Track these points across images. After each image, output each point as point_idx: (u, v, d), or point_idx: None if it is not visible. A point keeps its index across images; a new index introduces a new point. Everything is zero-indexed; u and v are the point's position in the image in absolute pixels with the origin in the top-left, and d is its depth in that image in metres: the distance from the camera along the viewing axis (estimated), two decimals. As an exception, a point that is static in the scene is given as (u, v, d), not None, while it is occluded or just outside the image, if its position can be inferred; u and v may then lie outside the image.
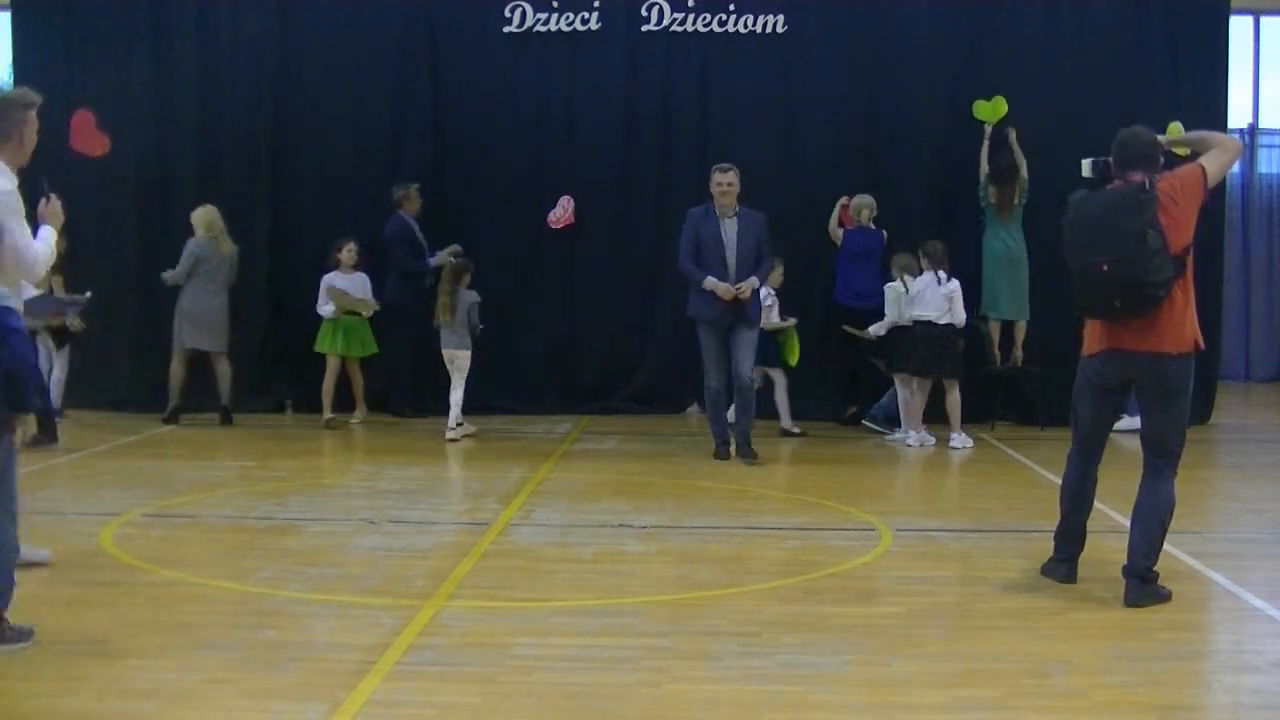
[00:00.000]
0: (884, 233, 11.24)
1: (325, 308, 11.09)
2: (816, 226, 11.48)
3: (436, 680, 4.63)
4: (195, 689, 4.50)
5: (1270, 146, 16.31)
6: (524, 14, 11.85)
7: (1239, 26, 13.65)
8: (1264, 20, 15.64)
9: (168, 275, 10.97)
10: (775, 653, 4.96)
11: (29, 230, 5.26)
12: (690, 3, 11.83)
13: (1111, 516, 7.55)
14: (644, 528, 7.18)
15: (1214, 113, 11.81)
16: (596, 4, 11.85)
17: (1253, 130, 16.07)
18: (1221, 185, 11.96)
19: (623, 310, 11.98)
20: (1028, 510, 7.94)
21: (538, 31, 11.87)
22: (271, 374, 12.02)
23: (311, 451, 9.90)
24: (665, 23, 11.87)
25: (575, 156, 11.97)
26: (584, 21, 11.85)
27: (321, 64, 11.99)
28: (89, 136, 11.63)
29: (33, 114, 5.47)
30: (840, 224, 11.44)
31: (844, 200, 11.43)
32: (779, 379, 10.75)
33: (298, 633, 5.17)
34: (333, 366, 11.12)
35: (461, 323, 10.50)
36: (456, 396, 10.49)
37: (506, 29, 11.88)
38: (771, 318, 10.54)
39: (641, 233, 12.00)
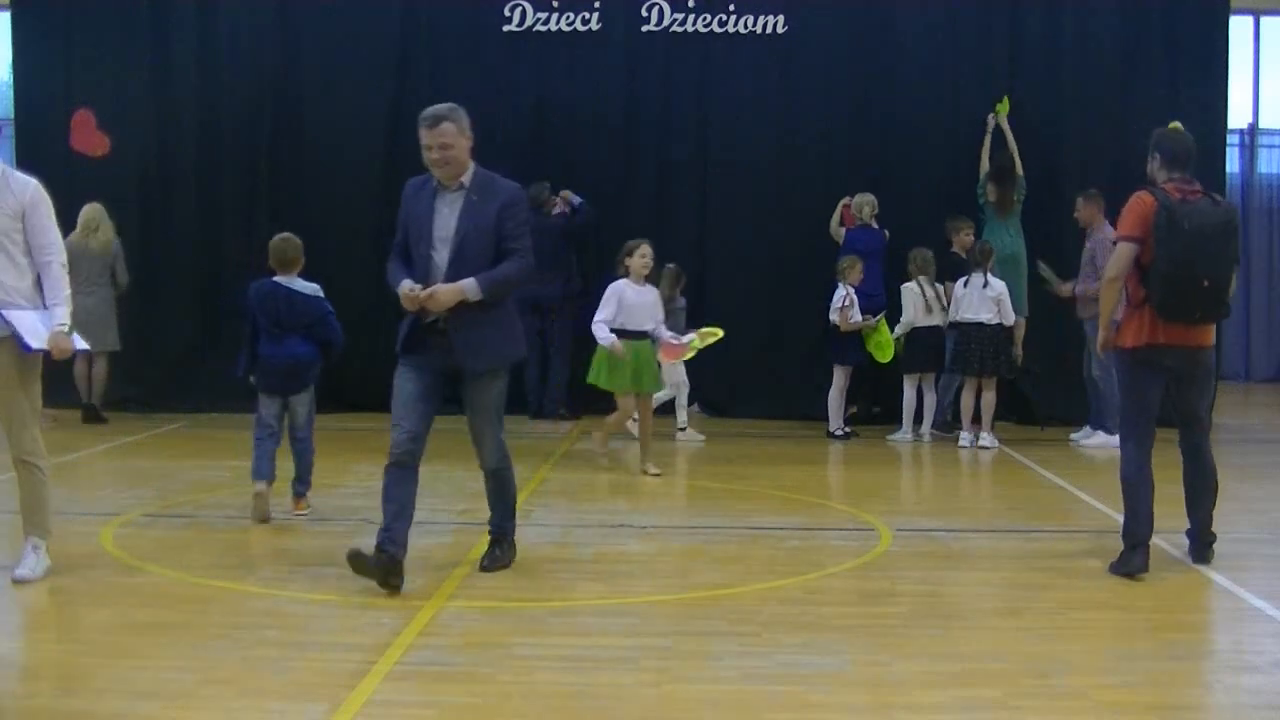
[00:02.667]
0: (885, 231, 11.24)
1: (603, 337, 8.68)
2: (816, 226, 11.47)
3: (436, 680, 4.62)
4: (195, 689, 4.50)
5: (1270, 146, 16.32)
6: (524, 14, 11.85)
7: (1239, 26, 13.66)
8: (1264, 20, 15.64)
9: None
10: (775, 653, 4.96)
11: None
12: (690, 3, 11.82)
13: (1112, 517, 7.55)
14: (644, 528, 7.17)
15: (1214, 113, 11.82)
16: (596, 4, 11.84)
17: (1253, 130, 16.08)
18: (1222, 184, 12.02)
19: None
20: (1028, 510, 7.94)
21: (538, 31, 11.87)
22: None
23: (311, 451, 9.88)
24: (665, 23, 11.86)
25: (575, 156, 11.97)
26: (584, 21, 11.85)
27: (321, 63, 11.99)
28: (89, 136, 11.65)
29: None
30: (842, 224, 11.44)
31: (846, 201, 11.42)
32: (837, 378, 10.72)
33: (298, 633, 5.17)
34: (627, 407, 8.94)
35: (679, 328, 10.24)
36: (681, 400, 10.54)
37: (506, 29, 11.88)
38: (853, 318, 10.53)
39: (641, 233, 11.84)
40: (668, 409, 11.89)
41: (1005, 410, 11.20)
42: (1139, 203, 6.07)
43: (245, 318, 7.25)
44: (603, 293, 12.15)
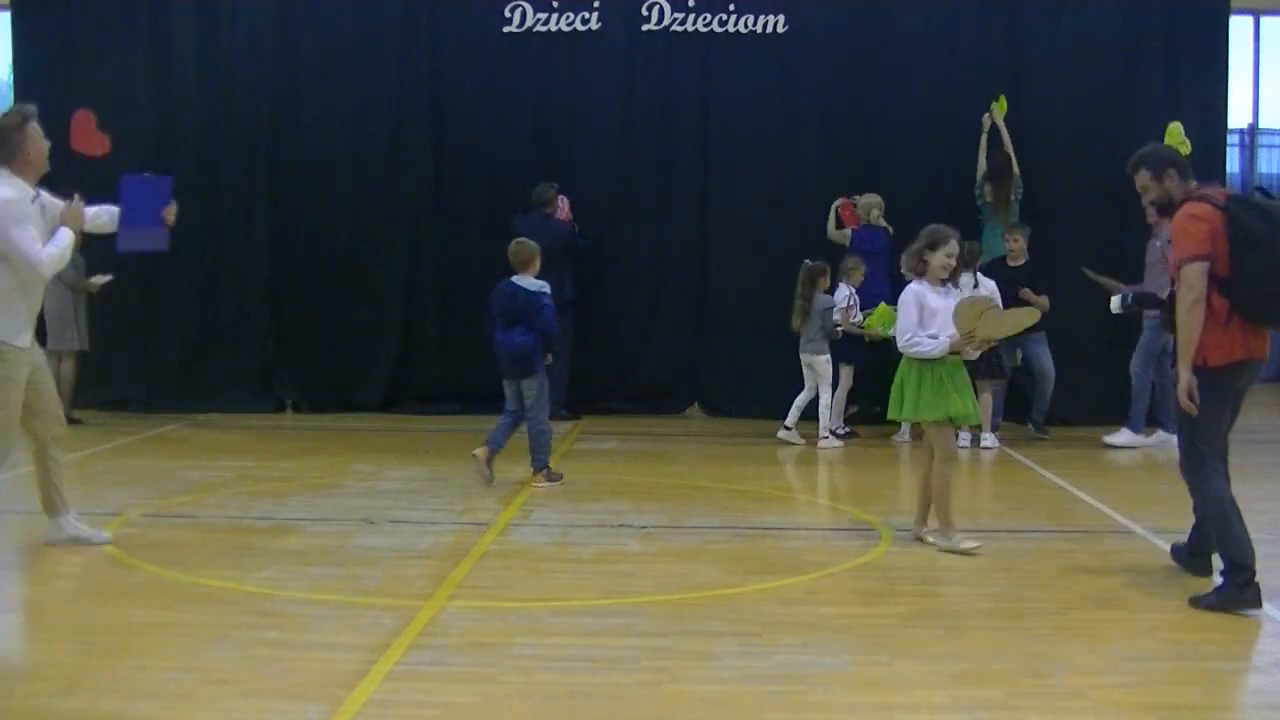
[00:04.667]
0: (890, 231, 11.23)
1: (929, 343, 6.66)
2: (817, 226, 11.47)
3: (436, 680, 4.63)
4: (195, 689, 4.50)
5: (1270, 146, 16.31)
6: (524, 14, 11.85)
7: (1239, 26, 13.65)
8: (1264, 20, 15.63)
9: None
10: (775, 653, 4.96)
11: (35, 234, 6.08)
12: (690, 3, 11.82)
13: (1112, 516, 7.58)
14: (644, 528, 7.17)
15: (1214, 113, 11.83)
16: (596, 4, 11.85)
17: (1253, 130, 16.07)
18: (1222, 184, 11.99)
19: (623, 310, 11.98)
20: (1028, 510, 7.94)
21: (538, 31, 11.87)
22: (271, 374, 12.03)
23: (311, 451, 9.90)
24: (665, 23, 11.86)
25: (575, 156, 11.97)
26: (584, 21, 11.85)
27: (321, 64, 11.99)
28: (89, 136, 11.61)
29: (30, 126, 6.12)
30: (841, 223, 11.43)
31: (842, 200, 11.42)
32: (841, 377, 10.58)
33: (298, 633, 5.17)
34: (948, 444, 6.89)
35: (816, 328, 10.23)
36: (824, 402, 10.29)
37: (506, 29, 11.88)
38: (853, 319, 10.45)
39: (641, 232, 12.00)
40: (668, 407, 11.91)
41: (1006, 410, 11.21)
42: (1204, 216, 5.56)
43: (485, 314, 8.70)
44: (597, 295, 12.10)
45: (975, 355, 7.05)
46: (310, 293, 11.88)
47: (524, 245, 8.43)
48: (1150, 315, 9.67)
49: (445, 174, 12.00)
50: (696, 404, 12.17)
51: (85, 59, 12.00)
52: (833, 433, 10.60)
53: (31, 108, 6.25)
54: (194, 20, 11.96)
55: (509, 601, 5.67)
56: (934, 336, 6.63)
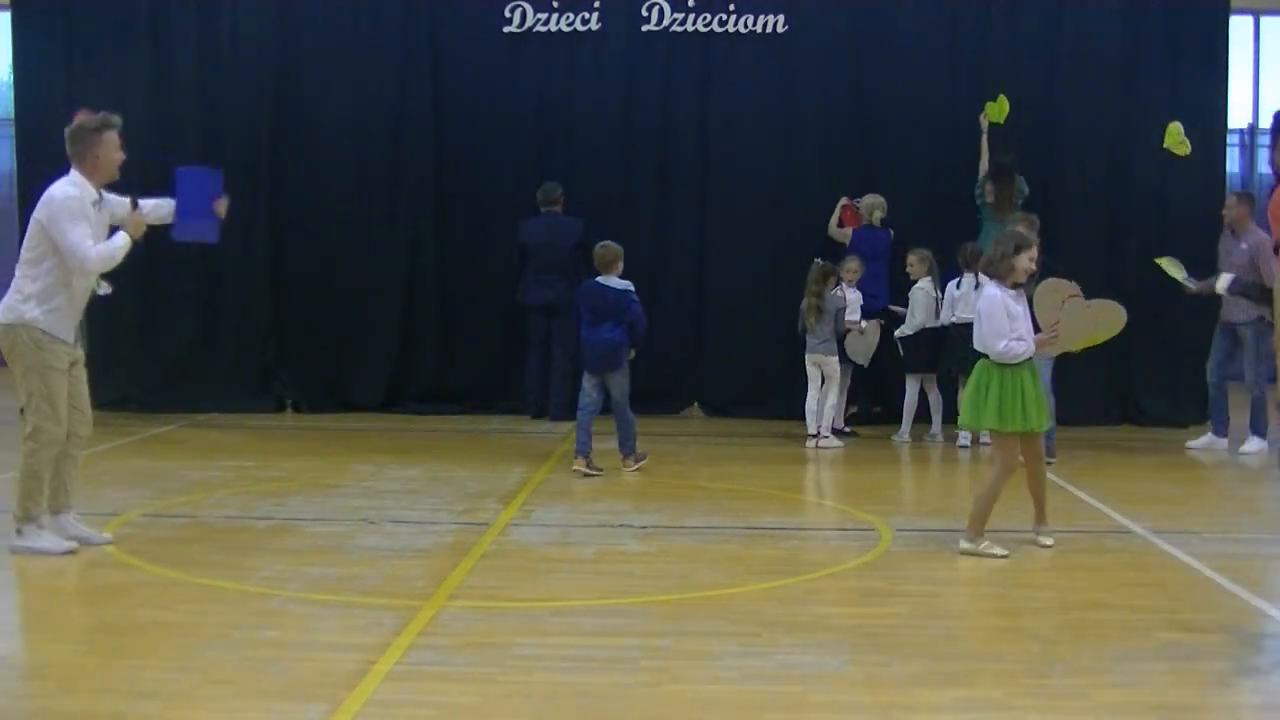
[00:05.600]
0: (891, 232, 11.24)
1: (1019, 345, 6.54)
2: (816, 226, 11.47)
3: (436, 680, 4.63)
4: (195, 689, 4.50)
5: (1270, 146, 16.29)
6: (524, 14, 11.84)
7: (1239, 26, 13.65)
8: (1264, 20, 15.63)
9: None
10: (775, 653, 4.96)
11: (87, 231, 6.25)
12: (690, 3, 11.81)
13: (1112, 516, 7.57)
14: (644, 528, 7.18)
15: (1214, 113, 11.82)
16: (596, 4, 11.84)
17: (1252, 130, 16.06)
18: (1221, 184, 12.00)
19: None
20: (1028, 510, 7.91)
21: (538, 31, 11.86)
22: (271, 374, 12.02)
23: (311, 451, 9.89)
24: (665, 23, 11.85)
25: (575, 156, 11.97)
26: (584, 21, 11.84)
27: (321, 64, 11.98)
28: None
29: (108, 134, 6.31)
30: (841, 223, 11.43)
31: (844, 200, 11.42)
32: (841, 377, 10.54)
33: (298, 633, 5.17)
34: (1012, 455, 6.65)
35: (829, 328, 10.21)
36: (830, 402, 10.27)
37: (506, 29, 11.87)
38: (850, 316, 10.42)
39: (641, 232, 11.96)
40: (668, 407, 11.91)
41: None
42: None
43: (572, 312, 9.30)
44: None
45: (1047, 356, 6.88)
46: (310, 293, 11.86)
47: (609, 248, 8.88)
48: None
49: (445, 174, 11.99)
50: (696, 404, 12.17)
51: (85, 59, 11.98)
52: (833, 432, 10.60)
53: (116, 118, 6.41)
54: (194, 20, 11.94)
55: (509, 601, 5.67)
56: (1019, 339, 6.53)
